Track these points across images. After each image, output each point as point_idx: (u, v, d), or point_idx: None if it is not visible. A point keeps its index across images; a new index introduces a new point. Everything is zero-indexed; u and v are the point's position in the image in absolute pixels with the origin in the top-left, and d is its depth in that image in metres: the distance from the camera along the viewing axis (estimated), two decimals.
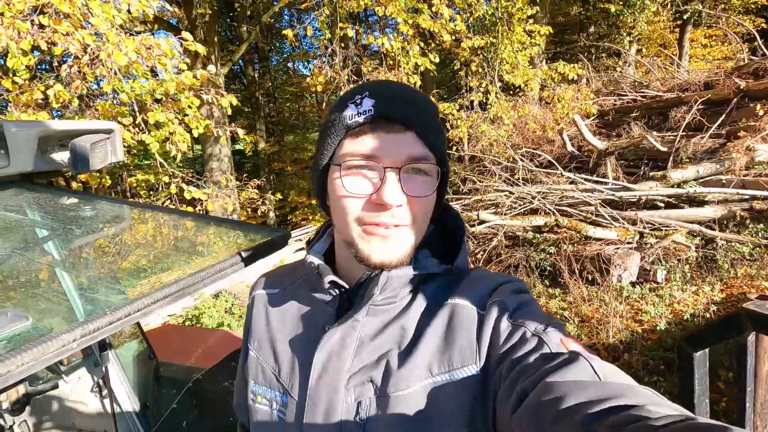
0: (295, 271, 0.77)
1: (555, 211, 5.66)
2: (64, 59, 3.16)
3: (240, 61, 15.58)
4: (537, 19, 8.36)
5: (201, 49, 3.00)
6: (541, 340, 0.53)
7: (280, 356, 0.68)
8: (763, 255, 4.93)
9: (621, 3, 10.48)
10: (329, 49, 4.74)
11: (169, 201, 4.42)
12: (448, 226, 0.73)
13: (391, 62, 5.09)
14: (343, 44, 5.14)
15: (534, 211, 5.92)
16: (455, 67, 7.27)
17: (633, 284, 4.81)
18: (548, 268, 5.26)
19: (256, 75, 17.69)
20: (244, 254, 0.79)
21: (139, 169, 6.03)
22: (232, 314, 5.53)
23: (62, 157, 1.30)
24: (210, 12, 8.23)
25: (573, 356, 0.48)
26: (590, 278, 4.94)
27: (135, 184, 5.16)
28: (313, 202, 15.03)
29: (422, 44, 5.18)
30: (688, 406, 1.27)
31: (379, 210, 0.59)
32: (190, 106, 3.20)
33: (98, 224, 1.30)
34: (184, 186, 3.79)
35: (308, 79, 4.49)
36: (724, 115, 6.18)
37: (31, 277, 0.99)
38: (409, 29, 4.54)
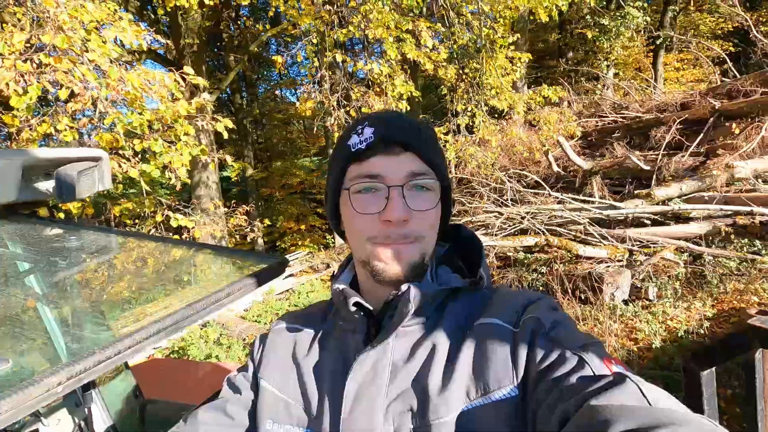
0: (321, 307, 0.80)
1: (545, 230, 5.70)
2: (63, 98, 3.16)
3: (227, 89, 15.73)
4: (518, 45, 8.66)
5: (202, 81, 3.05)
6: (582, 359, 0.52)
7: (309, 389, 0.66)
8: (750, 269, 5.00)
9: (597, 30, 10.96)
10: (318, 74, 4.82)
11: (155, 230, 4.34)
12: (464, 245, 0.76)
13: (378, 89, 5.18)
14: (331, 71, 5.22)
15: (524, 232, 5.95)
16: (442, 92, 7.43)
17: (625, 302, 4.81)
18: (540, 288, 5.25)
19: (243, 102, 17.85)
20: (240, 283, 0.76)
21: (125, 198, 5.94)
22: (221, 345, 5.35)
23: (47, 186, 1.26)
24: (198, 42, 8.34)
25: (619, 378, 0.46)
26: (583, 297, 4.93)
27: (120, 213, 5.06)
28: (302, 227, 14.96)
29: (407, 71, 5.30)
30: None
31: (388, 227, 0.63)
32: (186, 134, 3.20)
33: (83, 255, 1.25)
34: (171, 213, 3.73)
35: (297, 104, 4.53)
36: (702, 134, 6.38)
37: (11, 314, 0.93)
38: (397, 54, 4.64)
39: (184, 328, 0.69)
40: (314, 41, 5.11)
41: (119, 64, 2.93)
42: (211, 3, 4.54)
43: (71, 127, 2.98)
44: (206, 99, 3.55)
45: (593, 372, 0.50)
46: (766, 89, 6.29)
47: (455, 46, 6.62)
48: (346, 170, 0.67)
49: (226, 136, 3.69)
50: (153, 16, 9.94)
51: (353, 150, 0.65)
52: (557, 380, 0.50)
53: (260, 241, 13.42)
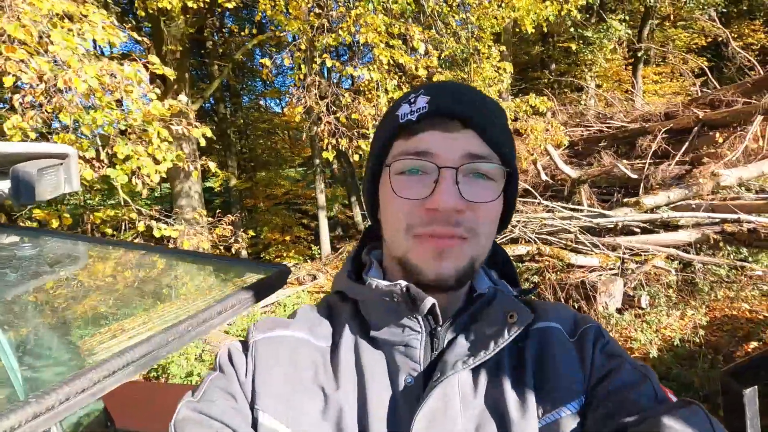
0: (321, 311, 0.62)
1: (536, 239, 5.64)
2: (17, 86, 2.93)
3: (211, 99, 15.51)
4: (502, 57, 8.74)
5: (169, 72, 2.85)
6: (645, 376, 0.50)
7: (345, 426, 0.49)
8: (739, 277, 5.03)
9: (581, 42, 11.17)
10: (308, 79, 4.70)
11: (136, 240, 4.10)
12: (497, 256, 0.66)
13: (369, 94, 5.09)
14: (320, 77, 5.11)
15: (515, 241, 5.89)
16: None
17: (619, 311, 4.77)
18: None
19: (227, 112, 17.61)
20: (238, 296, 0.61)
21: (103, 207, 5.67)
22: (203, 362, 5.10)
23: (2, 186, 1.09)
24: (181, 49, 8.15)
25: (689, 404, 0.44)
26: (576, 306, 4.87)
27: (99, 222, 4.78)
28: (287, 238, 14.71)
29: (398, 77, 5.23)
30: None
31: (434, 216, 0.51)
32: (162, 138, 3.00)
33: (45, 266, 1.08)
34: (153, 223, 3.51)
35: (285, 110, 4.41)
36: (687, 143, 6.47)
37: None
38: (388, 57, 4.56)
39: (175, 351, 0.55)
40: (302, 47, 5.00)
41: (86, 59, 2.72)
42: (195, 6, 4.39)
43: (25, 129, 2.73)
44: (184, 102, 3.37)
45: (656, 392, 0.48)
46: (747, 99, 6.44)
47: (443, 56, 6.61)
48: (390, 145, 0.55)
49: (203, 143, 3.51)
50: (134, 23, 9.74)
51: (402, 121, 0.54)
52: (618, 391, 0.49)
53: (244, 252, 13.14)
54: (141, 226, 3.58)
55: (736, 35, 13.79)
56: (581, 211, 6.10)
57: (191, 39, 9.34)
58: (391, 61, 4.65)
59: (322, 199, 12.27)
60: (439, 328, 0.54)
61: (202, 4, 4.74)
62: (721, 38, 12.22)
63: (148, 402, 1.68)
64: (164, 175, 3.29)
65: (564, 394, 0.51)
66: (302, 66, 5.08)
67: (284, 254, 14.12)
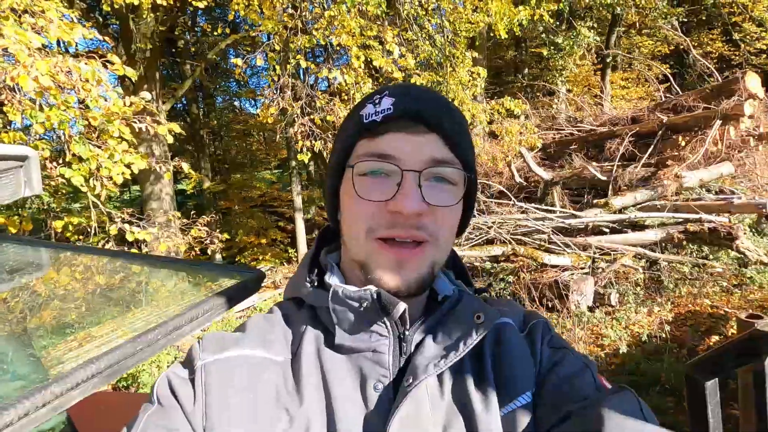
0: (276, 319, 0.57)
1: (511, 240, 5.74)
2: None
3: (183, 99, 15.12)
4: (476, 61, 8.88)
5: (131, 73, 2.73)
6: (586, 366, 0.54)
7: None
8: (701, 274, 5.26)
9: (551, 48, 11.50)
10: (282, 80, 4.64)
11: (108, 245, 3.93)
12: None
13: (345, 96, 5.07)
14: (294, 79, 5.06)
15: (490, 241, 5.98)
16: None
17: (590, 308, 4.91)
18: (508, 297, 5.27)
19: (200, 113, 17.21)
20: (212, 301, 0.59)
21: (68, 213, 5.41)
22: None
23: None
24: (151, 47, 7.92)
25: (622, 390, 0.48)
26: (550, 305, 4.99)
27: (62, 229, 4.56)
28: (263, 241, 14.49)
29: (371, 80, 5.24)
30: None
31: (396, 220, 0.51)
32: (124, 138, 2.87)
33: (4, 273, 1.03)
34: (126, 227, 3.37)
35: (258, 111, 4.33)
36: (652, 146, 6.74)
37: None
38: (361, 64, 4.56)
39: (144, 359, 0.52)
40: (276, 48, 4.94)
41: (39, 55, 2.58)
42: (165, 3, 4.27)
43: None
44: (147, 99, 3.23)
45: (595, 380, 0.52)
46: (706, 105, 6.75)
47: (418, 59, 6.66)
48: (354, 145, 0.55)
49: (170, 140, 3.38)
50: (101, 20, 9.41)
51: (365, 121, 0.53)
52: (564, 381, 0.52)
53: (218, 256, 12.86)
54: (113, 230, 3.43)
55: (696, 43, 14.47)
56: (554, 212, 6.26)
57: (162, 37, 9.08)
58: (365, 65, 4.65)
59: (298, 201, 12.15)
60: (407, 332, 0.53)
61: (172, 2, 4.61)
62: (682, 46, 12.82)
63: (117, 413, 1.61)
64: (129, 177, 3.15)
65: (519, 386, 0.52)
66: (276, 67, 5.02)
67: (260, 257, 13.90)
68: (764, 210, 5.26)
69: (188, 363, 0.52)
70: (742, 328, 1.30)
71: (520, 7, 6.43)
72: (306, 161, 5.24)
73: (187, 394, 0.48)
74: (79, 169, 2.77)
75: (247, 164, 19.43)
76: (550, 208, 6.37)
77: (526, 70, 13.88)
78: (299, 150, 4.53)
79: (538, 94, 12.88)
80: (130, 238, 3.66)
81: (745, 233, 5.28)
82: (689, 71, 13.23)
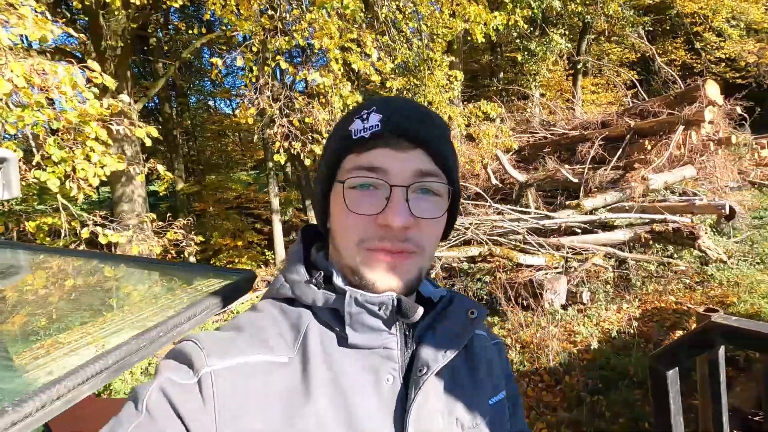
0: (269, 318, 0.57)
1: (487, 240, 5.87)
2: None
3: (155, 98, 14.73)
4: (453, 65, 9.04)
5: (110, 82, 2.67)
6: (518, 395, 0.73)
7: None
8: (666, 272, 5.51)
9: (525, 53, 11.82)
10: (260, 81, 4.60)
11: (80, 248, 3.80)
12: None
13: (323, 99, 5.07)
14: (272, 81, 5.03)
15: (467, 242, 6.09)
16: None
17: (563, 307, 5.07)
18: (485, 296, 5.38)
19: (173, 112, 16.79)
20: (207, 302, 0.60)
21: (38, 214, 5.19)
22: (149, 375, 4.82)
23: None
24: (122, 45, 7.70)
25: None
26: (525, 304, 5.12)
27: (34, 230, 4.36)
28: (239, 243, 14.25)
29: (350, 83, 5.26)
30: (665, 425, 1.25)
31: (385, 232, 0.54)
32: (100, 140, 2.80)
33: None
34: (99, 229, 3.27)
35: (237, 111, 4.28)
36: (621, 150, 7.01)
37: None
38: (341, 66, 4.58)
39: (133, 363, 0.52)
40: (254, 49, 4.90)
41: (12, 55, 2.49)
42: (138, 2, 4.17)
43: None
44: (126, 102, 3.18)
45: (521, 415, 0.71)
46: (670, 111, 7.08)
47: (395, 62, 6.73)
48: (342, 160, 0.57)
49: (149, 143, 3.30)
50: (69, 15, 9.09)
51: (354, 137, 0.56)
52: (513, 398, 0.69)
53: (192, 259, 12.57)
54: (85, 233, 3.32)
55: (661, 51, 15.13)
56: (528, 213, 6.43)
57: (134, 35, 8.83)
58: (345, 67, 4.67)
59: (275, 202, 12.02)
60: (412, 329, 0.58)
61: (146, 1, 4.51)
62: (648, 54, 13.38)
63: (91, 418, 1.59)
64: (105, 179, 3.07)
65: (498, 384, 0.64)
66: (254, 68, 4.97)
67: (236, 260, 13.67)
68: (723, 211, 5.56)
69: (188, 369, 0.48)
70: (700, 322, 1.40)
71: (496, 13, 6.58)
72: (282, 162, 5.20)
73: (191, 404, 0.45)
74: (54, 172, 2.68)
75: (223, 165, 19.08)
76: (524, 209, 6.54)
77: (501, 74, 14.19)
78: (276, 151, 4.50)
79: (513, 97, 13.19)
80: (103, 240, 3.54)
81: (706, 233, 5.57)
82: (655, 78, 13.82)
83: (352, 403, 0.51)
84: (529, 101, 12.54)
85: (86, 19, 8.18)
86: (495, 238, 6.01)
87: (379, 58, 5.18)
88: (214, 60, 4.17)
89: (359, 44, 5.01)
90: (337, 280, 0.57)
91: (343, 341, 0.55)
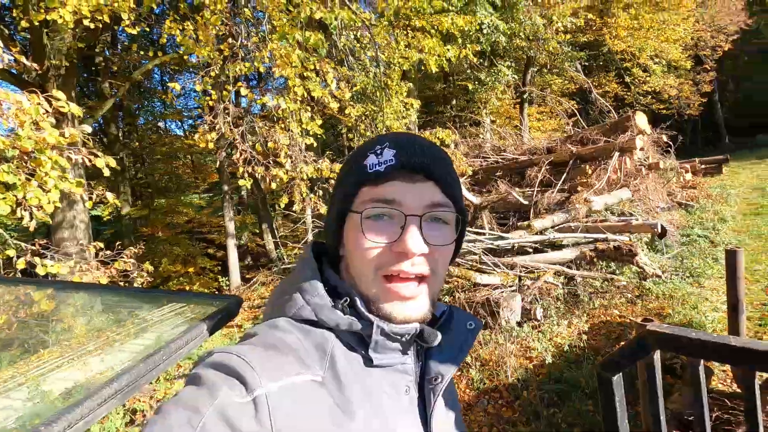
0: (294, 337, 0.57)
1: None
2: None
3: (99, 119, 14.06)
4: (409, 92, 9.41)
5: (76, 110, 2.59)
6: None
7: None
8: (610, 287, 5.91)
9: (476, 82, 12.53)
10: (221, 107, 4.57)
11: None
12: None
13: (282, 124, 5.11)
14: (232, 106, 5.02)
15: None
16: (343, 131, 7.62)
17: (519, 324, 5.28)
18: None
19: (120, 134, 16.06)
20: (199, 328, 0.63)
21: None
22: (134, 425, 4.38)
23: None
24: (67, 65, 7.37)
25: None
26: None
27: None
28: (190, 270, 13.64)
29: (310, 108, 5.35)
30: (613, 428, 1.37)
31: (401, 259, 0.59)
32: (58, 167, 2.67)
33: None
34: (37, 259, 3.06)
35: (195, 136, 4.20)
36: (565, 174, 7.53)
37: None
38: (303, 91, 4.66)
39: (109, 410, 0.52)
40: (212, 74, 4.89)
41: None
42: (93, 26, 4.08)
43: None
44: (85, 130, 3.08)
45: None
46: (607, 138, 7.74)
47: (354, 90, 6.91)
48: (357, 192, 0.61)
49: (107, 173, 3.20)
50: (7, 32, 8.61)
51: (370, 171, 0.60)
52: None
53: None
54: (21, 263, 3.10)
55: (596, 84, 16.54)
56: (484, 234, 6.70)
57: (80, 54, 8.48)
58: (306, 94, 4.75)
59: (231, 226, 11.69)
60: (424, 345, 0.64)
61: (101, 25, 4.41)
62: (585, 86, 14.58)
63: None
64: (59, 205, 2.92)
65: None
66: (213, 91, 4.95)
67: (187, 288, 13.05)
68: (656, 230, 6.09)
69: (241, 386, 0.48)
70: (638, 331, 1.56)
71: (449, 46, 6.98)
72: (248, 187, 5.14)
73: (249, 424, 0.46)
74: (5, 198, 2.52)
75: (173, 188, 18.34)
76: (480, 230, 6.81)
77: (454, 102, 14.88)
78: (240, 176, 4.46)
79: (465, 124, 13.83)
80: (41, 271, 3.32)
81: (642, 250, 6.07)
82: (592, 107, 15.07)
83: (387, 417, 0.57)
84: (480, 127, 13.20)
85: (28, 36, 7.78)
86: None
87: (338, 87, 5.32)
88: (173, 84, 4.09)
89: (317, 73, 5.13)
90: (362, 308, 0.60)
91: (367, 361, 0.60)
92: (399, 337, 0.60)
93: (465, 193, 7.60)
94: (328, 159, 5.24)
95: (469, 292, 5.65)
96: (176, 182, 18.77)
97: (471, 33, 9.44)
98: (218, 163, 8.94)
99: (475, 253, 6.20)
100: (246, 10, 4.63)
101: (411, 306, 0.60)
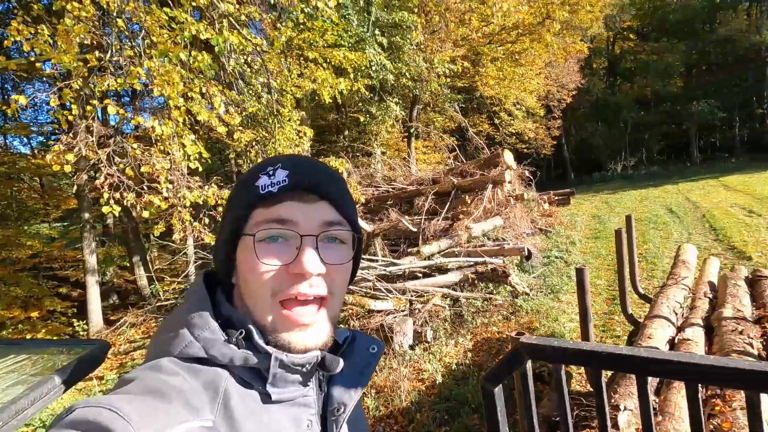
0: (178, 378, 0.51)
1: None
2: None
3: None
4: (302, 120, 9.45)
5: None
6: None
7: None
8: (489, 306, 6.49)
9: (367, 115, 13.14)
10: (81, 122, 3.99)
11: None
12: None
13: (160, 146, 4.67)
14: (97, 124, 4.43)
15: None
16: (231, 156, 7.26)
17: (411, 347, 5.46)
18: None
19: None
20: (54, 380, 0.52)
21: None
22: None
23: None
24: None
25: None
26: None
27: None
28: (34, 315, 11.33)
29: (197, 131, 5.01)
30: None
31: (298, 281, 0.57)
32: None
33: None
34: None
35: (48, 156, 3.56)
36: (448, 203, 8.20)
37: None
38: (184, 115, 4.34)
39: None
40: (75, 86, 4.30)
41: None
42: None
43: None
44: None
45: None
46: (482, 172, 8.68)
47: (244, 114, 6.69)
48: (249, 214, 0.59)
49: None
50: None
51: (262, 191, 0.58)
52: None
53: None
54: None
55: (471, 123, 18.60)
56: (377, 260, 6.87)
57: None
58: (189, 116, 4.44)
59: (92, 261, 10.10)
60: (326, 374, 0.62)
61: None
62: (463, 124, 16.30)
63: None
64: None
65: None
66: (74, 106, 4.33)
67: (28, 336, 10.79)
68: (524, 252, 6.94)
69: None
70: (513, 344, 1.75)
71: (341, 79, 7.23)
72: (116, 214, 4.51)
73: None
74: None
75: (12, 216, 15.28)
76: (373, 257, 6.97)
77: (346, 132, 15.31)
78: (105, 202, 3.88)
79: (358, 154, 14.28)
80: None
81: (514, 271, 6.82)
82: (469, 144, 16.87)
83: None
84: (372, 158, 13.75)
85: None
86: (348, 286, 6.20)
87: (226, 111, 5.09)
88: (18, 98, 3.42)
89: (203, 95, 4.86)
90: (259, 340, 0.56)
91: (265, 397, 0.55)
92: (299, 368, 0.57)
93: (358, 220, 7.77)
94: (215, 185, 4.91)
95: (363, 319, 5.69)
96: (17, 209, 15.69)
97: (362, 68, 9.93)
98: (76, 187, 7.69)
99: (369, 280, 6.30)
100: (119, 20, 4.21)
101: (311, 333, 0.58)
